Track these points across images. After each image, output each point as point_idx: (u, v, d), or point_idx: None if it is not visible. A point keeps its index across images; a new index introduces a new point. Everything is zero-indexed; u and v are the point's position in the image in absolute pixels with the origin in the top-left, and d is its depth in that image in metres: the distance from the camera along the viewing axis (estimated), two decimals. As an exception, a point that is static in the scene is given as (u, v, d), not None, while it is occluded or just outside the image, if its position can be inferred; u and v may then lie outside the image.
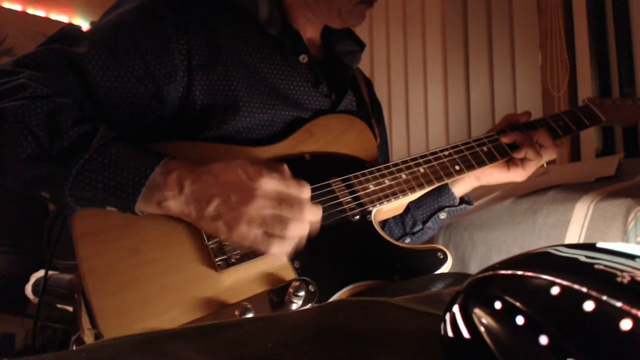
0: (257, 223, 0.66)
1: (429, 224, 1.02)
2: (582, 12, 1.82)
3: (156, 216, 0.70)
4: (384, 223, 1.04)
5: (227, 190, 0.66)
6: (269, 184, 0.67)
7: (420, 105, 2.49)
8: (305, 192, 0.69)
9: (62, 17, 3.30)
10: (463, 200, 1.04)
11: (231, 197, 0.66)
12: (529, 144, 0.95)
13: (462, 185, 1.02)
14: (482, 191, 1.39)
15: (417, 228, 1.03)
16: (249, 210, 0.65)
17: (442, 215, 1.02)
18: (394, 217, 1.03)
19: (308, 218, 0.68)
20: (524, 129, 0.98)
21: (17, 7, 3.17)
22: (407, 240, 1.05)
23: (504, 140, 0.96)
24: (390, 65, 2.62)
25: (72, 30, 0.79)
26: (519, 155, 0.96)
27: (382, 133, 1.09)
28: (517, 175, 0.98)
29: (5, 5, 3.13)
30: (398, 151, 2.52)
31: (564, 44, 1.84)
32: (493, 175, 1.00)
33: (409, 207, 1.02)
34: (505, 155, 0.95)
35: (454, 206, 1.02)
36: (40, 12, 3.25)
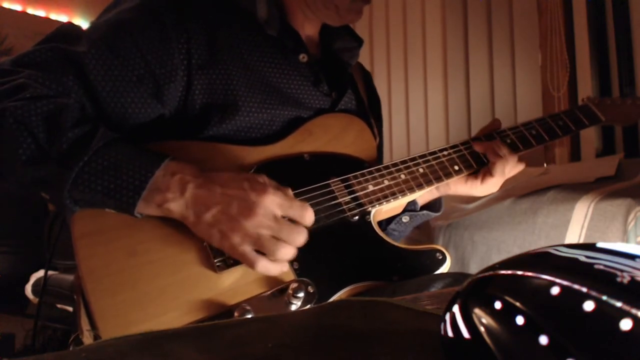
0: (251, 239, 0.67)
1: (392, 225, 1.01)
2: (582, 12, 1.82)
3: (155, 217, 0.70)
4: None
5: (230, 201, 0.67)
6: (272, 204, 0.67)
7: (421, 105, 2.49)
8: (308, 217, 0.70)
9: (62, 17, 3.29)
10: (432, 207, 1.02)
11: (232, 208, 0.67)
12: (497, 157, 0.92)
13: (423, 194, 0.98)
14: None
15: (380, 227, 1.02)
16: (246, 225, 0.66)
17: (405, 218, 1.00)
18: None
19: (300, 243, 0.69)
20: (496, 138, 0.95)
21: (17, 7, 3.17)
22: None
23: (477, 148, 0.94)
24: (391, 66, 2.62)
25: (71, 28, 0.78)
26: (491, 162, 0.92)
27: (378, 130, 1.09)
28: (474, 188, 0.95)
29: (5, 5, 3.13)
30: (398, 150, 2.52)
31: (564, 44, 1.84)
32: (450, 185, 0.96)
33: None
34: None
35: (415, 211, 1.00)
36: (40, 12, 3.25)
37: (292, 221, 0.70)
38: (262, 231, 0.67)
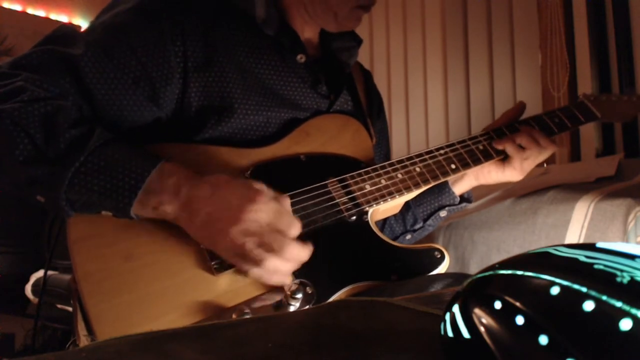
0: (237, 246, 0.66)
1: (429, 221, 1.03)
2: (582, 12, 1.81)
3: (151, 220, 0.70)
4: (384, 220, 1.04)
5: (220, 206, 0.67)
6: (262, 211, 0.66)
7: (421, 106, 2.49)
8: (294, 230, 0.69)
9: (62, 17, 3.29)
10: (463, 198, 1.04)
11: (221, 214, 0.66)
12: (531, 144, 0.95)
13: (461, 184, 1.02)
14: (482, 191, 1.39)
15: (417, 226, 1.03)
16: (233, 231, 0.65)
17: (443, 213, 1.02)
18: (395, 214, 1.03)
19: (290, 255, 0.67)
20: (519, 127, 0.98)
21: (17, 7, 3.17)
22: (408, 237, 1.05)
23: (506, 145, 0.95)
24: (391, 66, 2.62)
25: (67, 30, 0.78)
26: (520, 152, 0.95)
27: (381, 128, 1.09)
28: (513, 175, 0.98)
29: (5, 5, 3.13)
30: (398, 150, 2.52)
31: (564, 44, 1.84)
32: (491, 174, 1.00)
33: (409, 205, 1.02)
34: (501, 153, 0.95)
35: (454, 205, 1.02)
36: (40, 12, 3.25)
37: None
38: (247, 239, 0.65)
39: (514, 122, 0.99)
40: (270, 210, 0.67)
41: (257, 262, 0.66)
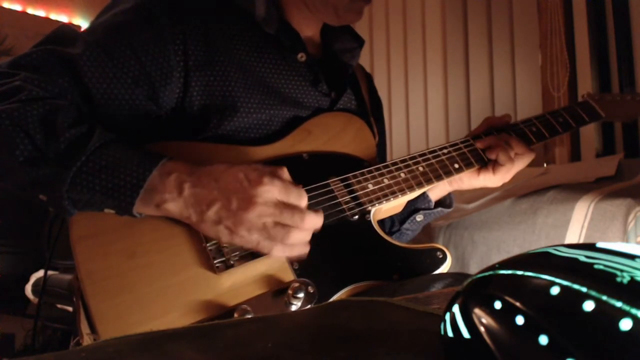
0: (257, 229, 0.67)
1: (406, 225, 1.01)
2: (582, 12, 1.82)
3: (154, 218, 0.70)
4: None
5: (228, 195, 0.67)
6: (271, 191, 0.68)
7: (421, 105, 2.49)
8: (304, 200, 0.70)
9: (62, 17, 3.29)
10: (443, 203, 1.02)
11: (232, 202, 0.67)
12: (501, 147, 0.92)
13: (435, 190, 1.00)
14: (482, 191, 1.39)
15: (394, 228, 1.03)
16: (250, 217, 0.66)
17: (419, 217, 1.00)
18: None
19: (309, 225, 0.69)
20: (505, 132, 0.96)
21: (17, 7, 3.17)
22: None
23: (479, 145, 0.94)
24: (391, 66, 2.62)
25: (67, 30, 0.78)
26: (490, 156, 0.93)
27: (380, 130, 1.09)
28: (488, 180, 0.95)
29: (5, 5, 3.13)
30: (398, 150, 2.52)
31: (564, 44, 1.84)
32: (463, 180, 0.97)
33: None
34: None
35: (429, 209, 1.00)
36: (40, 12, 3.25)
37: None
38: (265, 220, 0.67)
39: (517, 124, 0.98)
40: (276, 187, 0.68)
41: (280, 239, 0.67)
